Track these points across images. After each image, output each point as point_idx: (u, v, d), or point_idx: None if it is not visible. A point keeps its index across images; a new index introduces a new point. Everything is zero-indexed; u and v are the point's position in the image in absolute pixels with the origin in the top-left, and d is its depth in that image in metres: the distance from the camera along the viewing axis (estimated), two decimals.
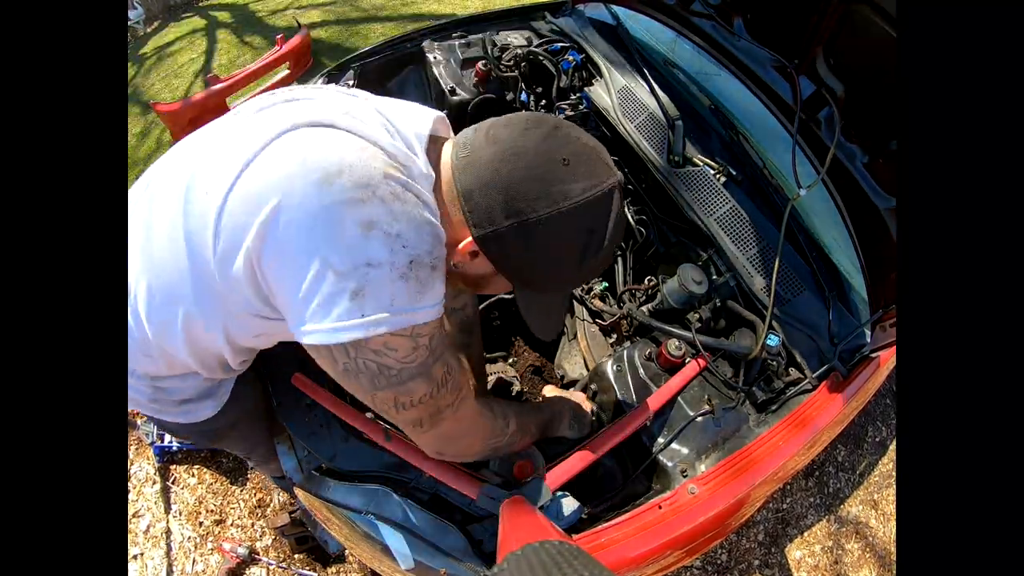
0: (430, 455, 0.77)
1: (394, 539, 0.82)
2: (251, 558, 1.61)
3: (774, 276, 1.06)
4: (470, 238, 0.62)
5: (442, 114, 0.70)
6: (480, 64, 1.52)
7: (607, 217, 0.61)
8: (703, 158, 1.26)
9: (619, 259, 1.47)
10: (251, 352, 0.83)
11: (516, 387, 1.48)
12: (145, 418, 1.83)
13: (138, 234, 0.67)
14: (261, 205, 0.54)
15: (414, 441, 0.74)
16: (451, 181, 0.62)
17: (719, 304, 1.14)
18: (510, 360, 1.66)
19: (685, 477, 0.90)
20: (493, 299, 1.60)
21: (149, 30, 4.65)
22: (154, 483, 1.80)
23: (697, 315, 1.15)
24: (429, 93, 1.65)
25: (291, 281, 0.54)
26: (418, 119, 0.67)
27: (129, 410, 1.89)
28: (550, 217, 0.58)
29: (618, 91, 1.39)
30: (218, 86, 2.94)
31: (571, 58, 1.46)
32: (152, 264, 0.65)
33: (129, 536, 1.69)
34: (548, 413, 0.97)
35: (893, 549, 1.73)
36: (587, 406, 1.07)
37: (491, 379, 1.44)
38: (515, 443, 0.86)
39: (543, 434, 0.96)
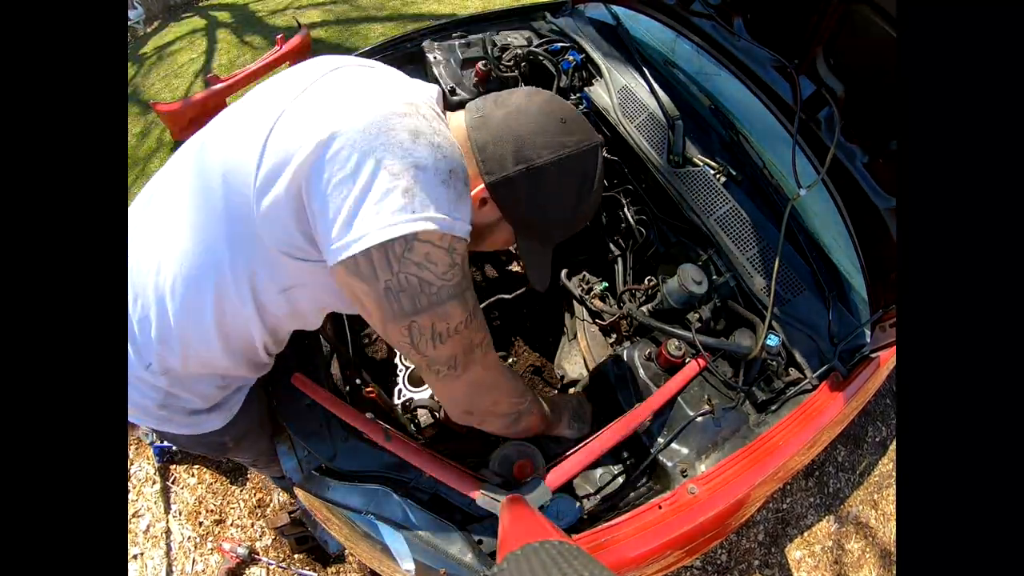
0: (459, 418, 0.78)
1: (394, 539, 0.82)
2: (251, 558, 1.61)
3: (774, 276, 1.06)
4: (482, 185, 0.69)
5: (439, 89, 0.77)
6: (480, 64, 1.51)
7: (596, 167, 0.73)
8: (703, 158, 1.26)
9: (619, 259, 1.47)
10: (277, 337, 0.80)
11: None
12: None
13: (163, 214, 0.70)
14: (311, 134, 0.58)
15: (445, 398, 0.75)
16: (465, 138, 0.70)
17: (719, 304, 1.14)
18: (510, 360, 1.66)
19: (685, 477, 0.90)
20: (493, 300, 1.60)
21: (149, 30, 4.65)
22: (154, 483, 1.80)
23: (697, 315, 1.14)
24: None
25: (343, 187, 0.57)
26: (426, 85, 0.75)
27: (132, 423, 1.90)
28: (552, 162, 0.68)
29: (618, 91, 1.39)
30: (218, 86, 2.94)
31: (571, 58, 1.46)
32: (183, 240, 0.67)
33: (129, 536, 1.69)
34: (550, 404, 0.97)
35: (893, 549, 1.73)
36: (587, 405, 1.07)
37: None
38: (531, 415, 0.86)
39: (545, 428, 0.96)
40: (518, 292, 1.63)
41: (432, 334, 0.64)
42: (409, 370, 1.53)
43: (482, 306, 1.57)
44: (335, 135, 0.57)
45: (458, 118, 0.73)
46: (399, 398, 1.49)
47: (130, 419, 0.82)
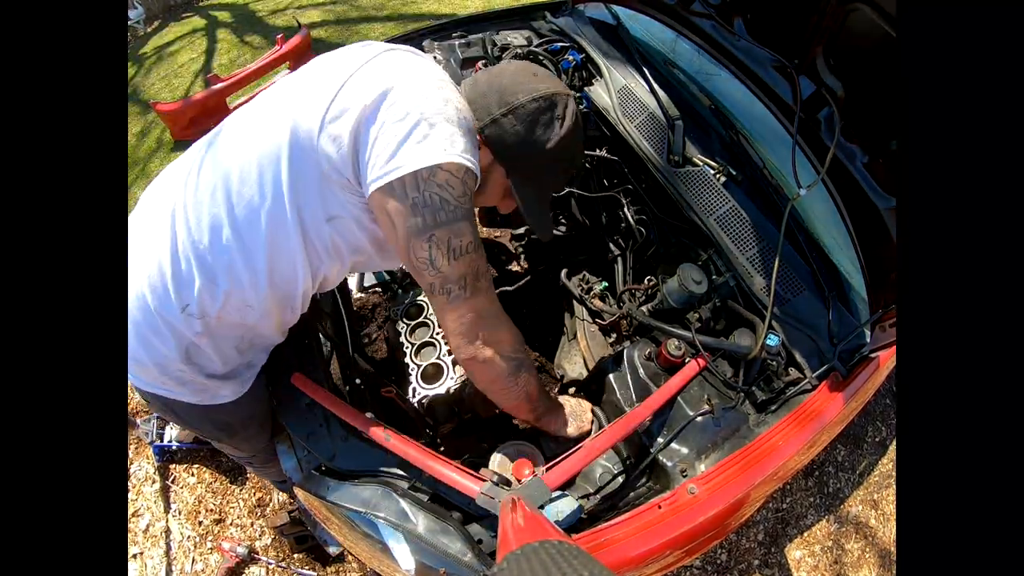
0: (465, 353, 0.83)
1: (394, 539, 0.82)
2: (250, 557, 1.61)
3: (774, 276, 1.06)
4: (476, 131, 0.82)
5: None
6: (480, 64, 1.51)
7: (568, 108, 0.86)
8: (703, 158, 1.26)
9: (619, 259, 1.47)
10: (314, 281, 0.87)
11: None
12: (145, 417, 1.84)
13: (227, 150, 0.80)
14: (374, 89, 0.74)
15: (454, 327, 0.81)
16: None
17: (719, 304, 1.14)
18: None
19: (685, 477, 0.90)
20: (495, 292, 1.60)
21: (149, 30, 4.65)
22: (153, 482, 1.80)
23: (697, 315, 1.14)
24: None
25: (393, 129, 0.72)
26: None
27: (132, 405, 1.90)
28: (528, 101, 0.83)
29: (618, 91, 1.39)
30: (218, 86, 2.94)
31: (571, 58, 1.46)
32: (246, 171, 0.77)
33: (129, 535, 1.69)
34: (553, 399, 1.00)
35: (893, 549, 1.73)
36: (586, 405, 1.07)
37: None
38: (531, 373, 0.91)
39: (541, 424, 0.97)
40: (519, 284, 1.63)
41: (448, 248, 0.76)
42: (422, 368, 1.52)
43: None
44: (393, 90, 0.74)
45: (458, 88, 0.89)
46: (414, 396, 1.49)
47: (146, 382, 0.87)
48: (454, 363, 1.52)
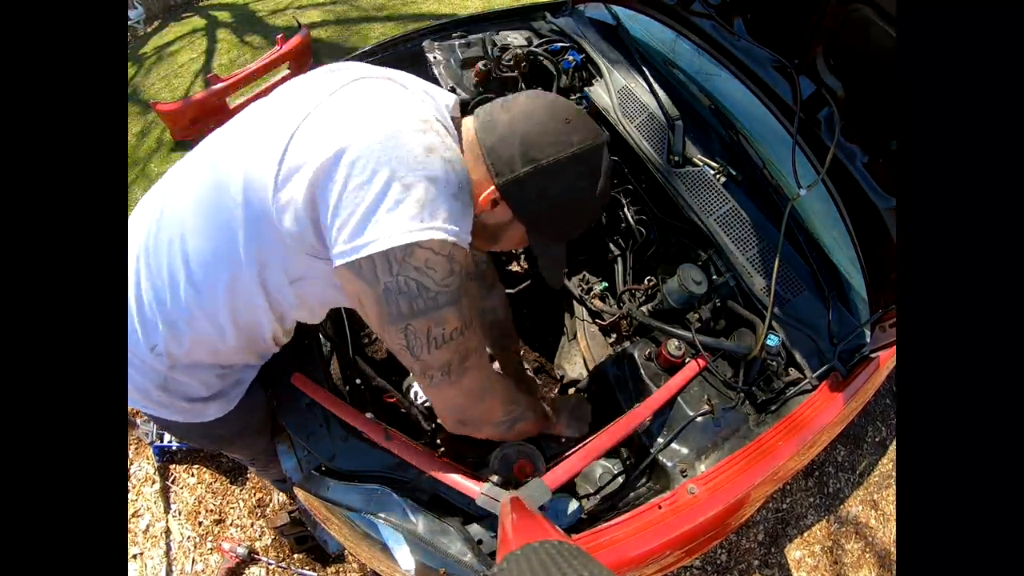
0: (453, 428, 0.79)
1: (394, 539, 0.82)
2: (251, 558, 1.61)
3: (774, 276, 1.06)
4: (493, 187, 0.71)
5: (457, 97, 0.81)
6: (480, 64, 1.51)
7: (601, 162, 0.74)
8: (703, 158, 1.26)
9: (619, 259, 1.47)
10: (284, 326, 0.82)
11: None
12: (145, 418, 1.83)
13: (182, 200, 0.72)
14: (331, 142, 0.62)
15: (439, 406, 0.76)
16: (474, 141, 0.73)
17: (719, 304, 1.14)
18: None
19: (685, 477, 0.90)
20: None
21: (149, 30, 4.65)
22: (153, 483, 1.80)
23: (697, 315, 1.14)
24: None
25: (357, 194, 0.60)
26: (445, 94, 0.79)
27: (131, 408, 1.90)
28: (558, 160, 0.70)
29: (618, 91, 1.39)
30: (218, 86, 2.94)
31: (571, 58, 1.46)
32: (201, 226, 0.70)
33: (129, 536, 1.69)
34: (549, 404, 0.98)
35: (893, 549, 1.73)
36: (585, 405, 1.07)
37: None
38: (528, 420, 0.87)
39: (542, 428, 0.96)
40: (520, 287, 1.63)
41: (428, 338, 0.66)
42: None
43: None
44: (354, 144, 0.61)
45: (468, 123, 0.76)
46: (417, 398, 1.48)
47: (130, 402, 0.83)
48: None
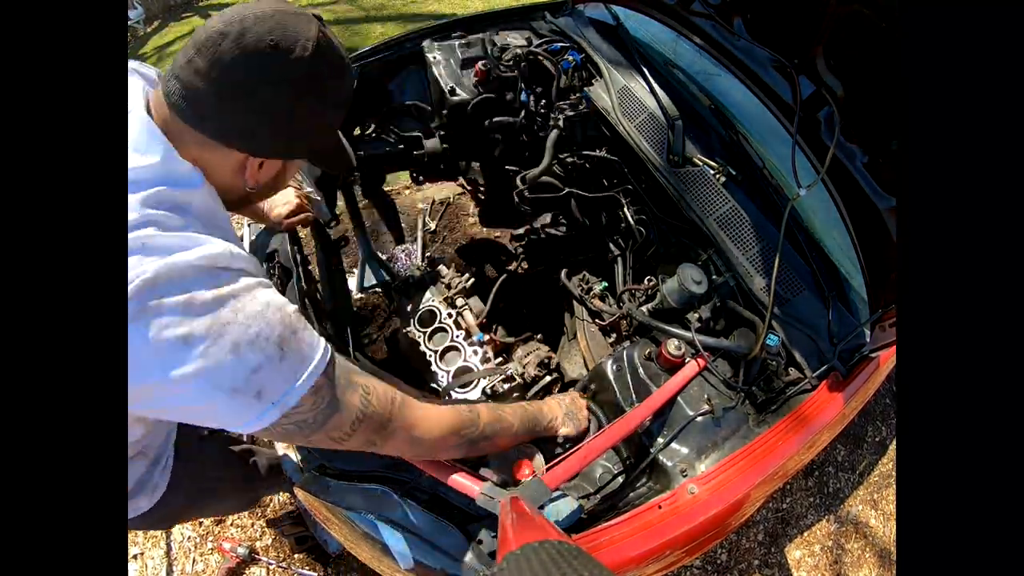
0: (416, 460, 0.78)
1: (394, 539, 0.82)
2: (251, 558, 1.61)
3: (774, 276, 1.06)
4: (243, 156, 0.66)
5: (142, 72, 0.73)
6: (480, 64, 1.51)
7: (302, 44, 0.62)
8: (703, 158, 1.26)
9: (619, 259, 1.47)
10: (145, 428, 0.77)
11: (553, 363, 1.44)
12: None
13: None
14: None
15: (392, 453, 0.75)
16: (186, 132, 0.62)
17: (719, 304, 1.14)
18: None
19: (685, 477, 0.90)
20: (502, 277, 1.61)
21: (149, 30, 4.65)
22: None
23: (697, 315, 1.14)
24: (429, 93, 1.65)
25: (199, 415, 0.58)
26: (141, 123, 0.61)
27: None
28: (235, 60, 0.59)
29: (618, 91, 1.39)
30: None
31: (571, 58, 1.46)
32: None
33: (129, 536, 1.69)
34: (534, 408, 0.96)
35: (893, 549, 1.73)
36: (581, 403, 1.07)
37: (529, 359, 1.42)
38: (498, 434, 0.85)
39: (533, 431, 0.95)
40: (518, 268, 1.62)
41: (335, 440, 0.65)
42: (451, 372, 1.49)
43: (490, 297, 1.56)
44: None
45: (173, 125, 0.63)
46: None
47: None
48: (482, 362, 1.48)
